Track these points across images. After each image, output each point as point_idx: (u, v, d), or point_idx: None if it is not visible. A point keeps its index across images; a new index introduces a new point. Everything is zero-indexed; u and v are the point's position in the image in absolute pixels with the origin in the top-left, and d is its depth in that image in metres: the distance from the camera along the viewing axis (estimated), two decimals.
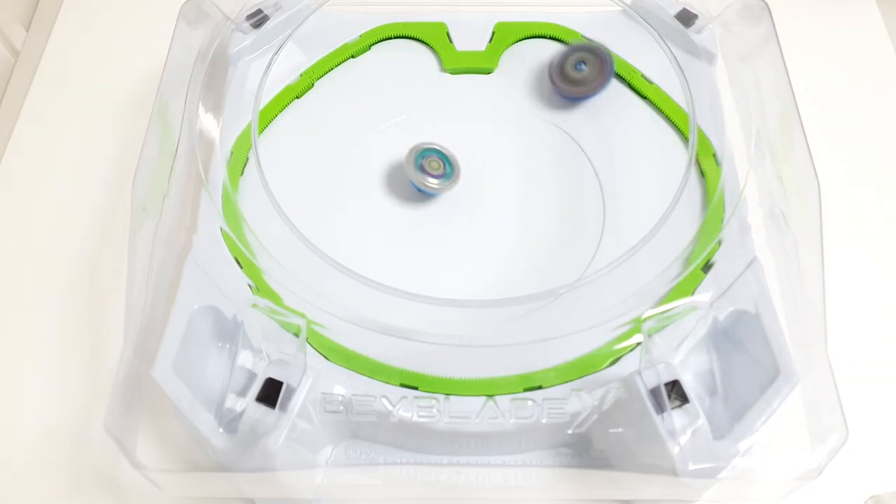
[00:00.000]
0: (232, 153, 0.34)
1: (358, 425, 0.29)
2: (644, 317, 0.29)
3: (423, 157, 0.33)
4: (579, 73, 0.35)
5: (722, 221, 0.32)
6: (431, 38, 0.38)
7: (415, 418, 0.28)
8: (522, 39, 0.38)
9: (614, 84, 0.37)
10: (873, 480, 0.31)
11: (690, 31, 0.36)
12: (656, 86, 0.36)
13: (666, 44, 0.35)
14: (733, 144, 0.33)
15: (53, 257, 0.36)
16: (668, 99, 0.36)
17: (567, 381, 0.29)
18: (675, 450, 0.26)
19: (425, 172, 0.33)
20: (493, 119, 0.37)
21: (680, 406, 0.26)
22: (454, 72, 0.38)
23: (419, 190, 0.34)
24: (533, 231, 0.33)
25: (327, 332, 0.29)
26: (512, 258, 0.33)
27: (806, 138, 0.31)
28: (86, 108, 0.41)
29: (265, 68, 0.35)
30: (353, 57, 0.38)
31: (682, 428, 0.26)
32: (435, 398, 0.28)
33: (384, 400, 0.28)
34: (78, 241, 0.36)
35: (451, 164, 0.34)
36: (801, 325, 0.29)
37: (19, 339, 0.34)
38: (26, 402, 0.33)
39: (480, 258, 0.33)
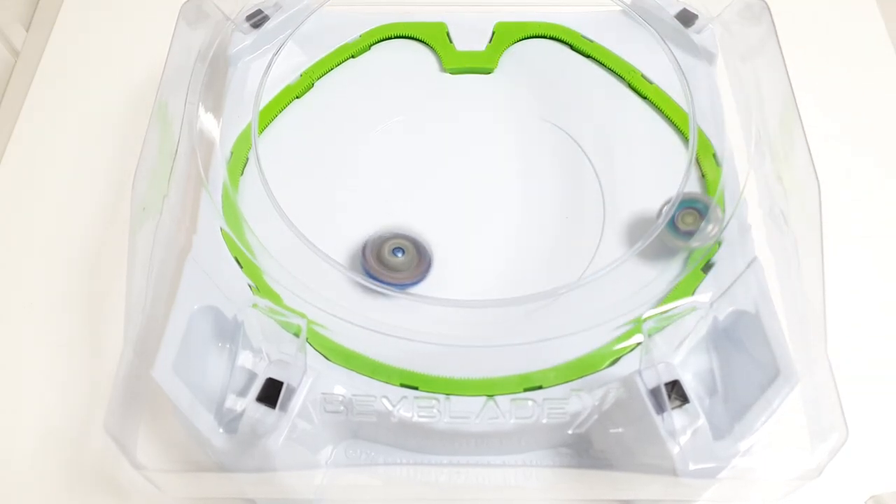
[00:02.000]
0: (232, 153, 0.34)
1: (358, 425, 0.29)
2: (644, 317, 0.29)
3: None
4: (396, 258, 0.31)
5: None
6: (431, 38, 0.38)
7: (415, 418, 0.28)
8: (522, 39, 0.38)
9: (614, 84, 0.37)
10: (873, 480, 0.31)
11: (690, 31, 0.36)
12: (656, 86, 0.36)
13: (666, 44, 0.35)
14: (733, 144, 0.33)
15: (53, 257, 0.36)
16: (668, 99, 0.36)
17: (567, 381, 0.29)
18: (675, 450, 0.26)
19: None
20: (493, 119, 0.37)
21: (680, 406, 0.26)
22: (454, 72, 0.38)
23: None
24: (533, 231, 0.33)
25: (327, 332, 0.29)
26: (512, 258, 0.33)
27: (806, 138, 0.31)
28: (86, 109, 0.41)
29: (265, 68, 0.35)
30: (353, 57, 0.38)
31: (682, 428, 0.26)
32: (435, 398, 0.28)
33: (384, 400, 0.28)
34: (78, 241, 0.36)
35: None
36: (801, 325, 0.29)
37: (19, 339, 0.34)
38: (26, 402, 0.33)
39: (480, 258, 0.33)
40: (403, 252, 0.31)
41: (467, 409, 0.28)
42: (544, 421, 0.28)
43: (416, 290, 0.30)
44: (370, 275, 0.31)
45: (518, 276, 0.32)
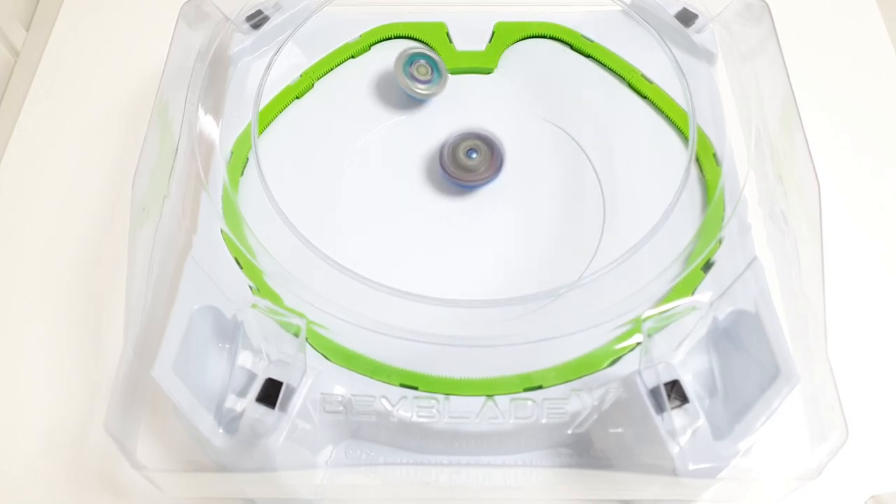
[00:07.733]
0: (232, 153, 0.34)
1: (358, 425, 0.29)
2: (644, 317, 0.29)
3: (411, 63, 0.35)
4: (470, 160, 0.34)
5: (722, 221, 0.32)
6: (431, 38, 0.38)
7: (415, 418, 0.28)
8: (522, 39, 0.38)
9: (614, 84, 0.37)
10: (873, 480, 0.31)
11: (690, 31, 0.36)
12: (656, 86, 0.36)
13: (666, 44, 0.35)
14: (733, 144, 0.33)
15: (53, 257, 0.36)
16: (668, 99, 0.36)
17: (567, 381, 0.29)
18: (675, 450, 0.26)
19: (414, 79, 0.35)
20: (493, 119, 0.36)
21: (680, 406, 0.26)
22: (454, 72, 0.37)
23: (409, 96, 0.36)
24: (533, 231, 0.33)
25: (327, 332, 0.29)
26: (512, 258, 0.33)
27: (806, 138, 0.31)
28: (86, 108, 0.41)
29: (265, 69, 0.35)
30: (353, 57, 0.38)
31: (682, 428, 0.26)
32: (435, 398, 0.28)
33: (384, 400, 0.28)
34: (78, 241, 0.36)
35: (437, 68, 0.35)
36: (801, 325, 0.29)
37: (19, 339, 0.34)
38: (26, 402, 0.33)
39: (480, 258, 0.33)
40: (477, 153, 0.34)
41: (467, 409, 0.28)
42: (544, 421, 0.28)
43: (418, 289, 0.30)
44: (450, 179, 0.34)
45: (518, 276, 0.32)
